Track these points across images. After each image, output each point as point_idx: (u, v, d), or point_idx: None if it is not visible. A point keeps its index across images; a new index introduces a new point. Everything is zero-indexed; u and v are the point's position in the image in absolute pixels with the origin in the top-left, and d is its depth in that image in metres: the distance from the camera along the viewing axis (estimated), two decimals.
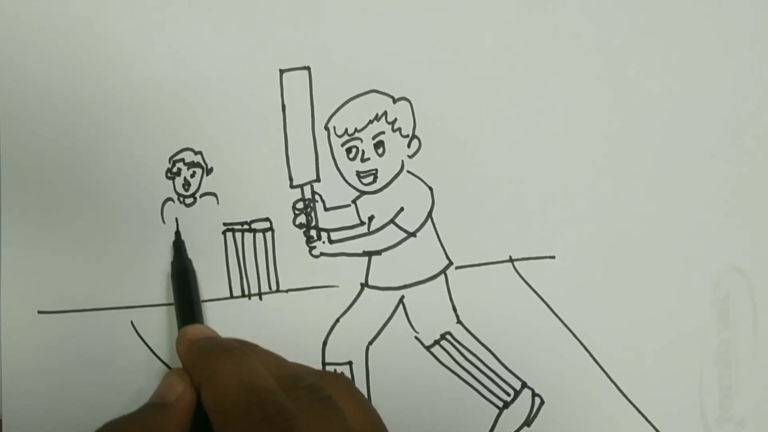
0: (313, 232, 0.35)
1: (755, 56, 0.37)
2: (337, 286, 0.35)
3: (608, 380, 0.36)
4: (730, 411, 0.36)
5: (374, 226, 0.35)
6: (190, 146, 0.35)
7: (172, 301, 0.34)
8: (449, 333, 0.35)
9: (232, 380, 0.28)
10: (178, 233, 0.35)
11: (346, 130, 0.35)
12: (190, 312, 0.33)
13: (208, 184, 0.35)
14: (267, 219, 0.35)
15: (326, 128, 0.35)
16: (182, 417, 0.29)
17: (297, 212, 0.35)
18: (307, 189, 0.35)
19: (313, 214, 0.35)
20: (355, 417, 0.29)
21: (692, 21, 0.36)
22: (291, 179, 0.35)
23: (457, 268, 0.36)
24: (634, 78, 0.36)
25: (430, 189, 0.36)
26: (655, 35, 0.36)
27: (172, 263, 0.34)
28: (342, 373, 0.34)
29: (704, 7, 0.37)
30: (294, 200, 0.35)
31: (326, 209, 0.35)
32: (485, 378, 0.35)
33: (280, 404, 0.27)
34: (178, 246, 0.34)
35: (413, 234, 0.36)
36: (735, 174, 0.36)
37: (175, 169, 0.35)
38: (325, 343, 0.35)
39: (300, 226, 0.35)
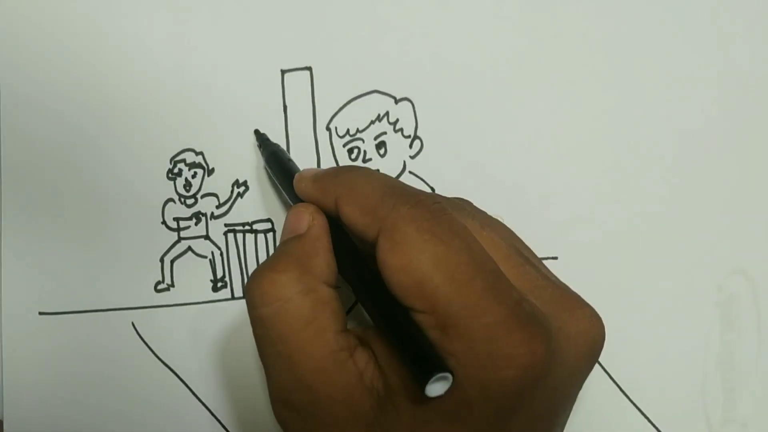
0: None
1: (758, 57, 0.36)
2: (338, 287, 0.35)
3: (611, 382, 0.35)
4: (733, 412, 0.36)
5: None
6: (191, 147, 0.35)
7: (173, 302, 0.34)
8: None
9: (371, 184, 0.27)
10: (256, 131, 0.34)
11: (348, 130, 0.35)
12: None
13: (210, 184, 0.35)
14: (268, 220, 0.35)
15: (328, 129, 0.35)
16: (322, 238, 0.28)
17: None
18: None
19: None
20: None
21: (695, 21, 0.36)
22: None
23: None
24: (636, 78, 0.36)
25: (432, 190, 0.35)
26: (658, 36, 0.36)
27: (262, 151, 0.34)
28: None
29: (706, 7, 0.36)
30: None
31: None
32: None
33: (429, 194, 0.27)
34: (261, 135, 0.34)
35: None
36: (739, 175, 0.36)
37: (176, 170, 0.35)
38: None
39: None
